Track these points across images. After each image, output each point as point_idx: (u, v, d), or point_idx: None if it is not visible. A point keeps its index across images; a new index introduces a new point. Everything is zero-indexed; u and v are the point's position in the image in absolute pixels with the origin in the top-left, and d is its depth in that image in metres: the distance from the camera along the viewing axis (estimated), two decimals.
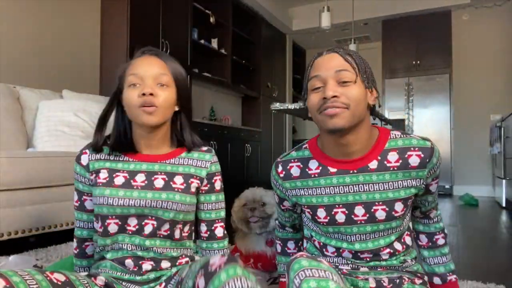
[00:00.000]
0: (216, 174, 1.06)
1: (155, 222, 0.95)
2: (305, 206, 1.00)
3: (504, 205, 4.10)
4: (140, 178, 0.96)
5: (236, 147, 4.74)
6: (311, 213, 0.99)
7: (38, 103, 2.48)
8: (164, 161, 1.00)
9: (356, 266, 0.99)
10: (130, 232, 0.95)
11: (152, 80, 0.93)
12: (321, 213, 0.97)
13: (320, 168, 0.97)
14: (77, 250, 1.06)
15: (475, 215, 3.65)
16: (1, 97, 2.33)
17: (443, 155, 5.12)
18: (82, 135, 2.41)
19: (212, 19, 4.53)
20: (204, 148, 1.06)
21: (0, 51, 2.70)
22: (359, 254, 0.97)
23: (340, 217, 0.95)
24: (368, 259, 0.97)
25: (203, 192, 1.04)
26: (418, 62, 5.38)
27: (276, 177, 1.06)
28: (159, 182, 0.97)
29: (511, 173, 3.79)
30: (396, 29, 5.53)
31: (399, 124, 5.32)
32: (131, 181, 0.96)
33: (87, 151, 1.00)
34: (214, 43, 4.74)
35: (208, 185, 1.05)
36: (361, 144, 0.92)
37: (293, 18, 6.21)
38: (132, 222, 0.95)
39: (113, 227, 0.95)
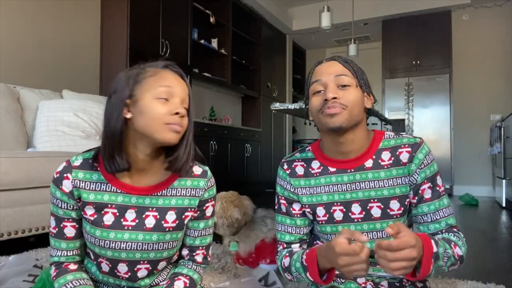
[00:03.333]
0: (209, 200, 0.99)
1: (148, 266, 0.93)
2: (306, 206, 1.03)
3: (504, 205, 4.09)
4: (130, 216, 0.90)
5: (236, 147, 4.74)
6: (311, 212, 1.02)
7: (38, 103, 2.48)
8: (155, 194, 0.92)
9: None
10: (123, 278, 0.93)
11: (180, 101, 0.88)
12: (320, 211, 1.01)
13: (321, 168, 1.02)
14: (57, 270, 0.92)
15: (475, 215, 3.65)
16: (1, 97, 2.33)
17: (443, 155, 5.12)
18: (82, 135, 2.41)
19: (212, 19, 4.54)
20: (198, 172, 0.97)
21: (0, 51, 2.70)
22: None
23: (338, 215, 0.99)
24: None
25: (193, 218, 0.98)
26: (418, 62, 5.37)
27: (283, 175, 1.07)
28: (150, 221, 0.91)
29: (511, 173, 3.79)
30: (396, 29, 5.53)
31: (399, 124, 5.32)
32: (121, 220, 0.90)
33: (69, 175, 0.89)
34: (214, 43, 4.74)
35: (199, 212, 0.98)
36: (358, 144, 0.97)
37: (293, 18, 6.21)
38: (122, 269, 0.92)
39: (105, 266, 0.93)
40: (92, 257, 0.94)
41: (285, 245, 1.07)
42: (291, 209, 1.06)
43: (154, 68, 0.90)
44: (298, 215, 1.06)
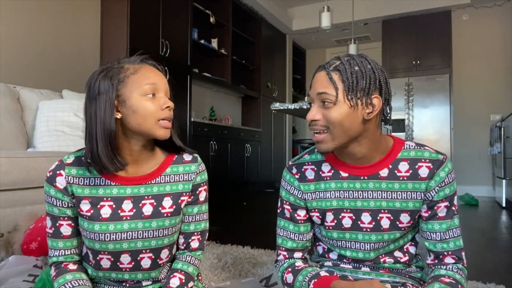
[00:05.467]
0: (201, 184, 1.01)
1: (151, 254, 0.94)
2: (315, 210, 0.99)
3: (504, 205, 4.09)
4: (127, 206, 0.91)
5: (236, 147, 4.74)
6: (320, 217, 0.99)
7: (38, 103, 2.48)
8: (149, 182, 0.94)
9: (357, 265, 1.00)
10: (126, 270, 0.93)
11: (164, 94, 0.91)
12: (329, 217, 0.97)
13: (332, 171, 0.97)
14: (57, 270, 0.93)
15: (475, 215, 3.65)
16: (1, 97, 2.33)
17: None
18: (82, 135, 2.41)
19: (212, 19, 4.54)
20: (188, 158, 1.00)
21: (0, 51, 2.70)
22: (361, 264, 0.99)
23: (347, 222, 0.96)
24: (369, 263, 0.99)
25: (187, 204, 1.00)
26: (418, 62, 5.37)
27: (291, 179, 1.01)
28: (147, 209, 0.92)
29: (511, 173, 3.79)
30: (396, 29, 5.53)
31: (399, 124, 5.32)
32: (119, 211, 0.91)
33: (62, 172, 0.90)
34: (214, 43, 4.74)
35: (192, 197, 1.00)
36: (368, 152, 0.92)
37: (293, 18, 6.21)
38: (125, 260, 0.92)
39: (105, 262, 0.92)
40: (91, 256, 0.93)
41: (286, 254, 1.03)
42: (295, 215, 1.02)
43: (131, 64, 0.90)
44: (303, 221, 1.02)
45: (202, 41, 4.44)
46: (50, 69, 3.06)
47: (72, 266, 0.93)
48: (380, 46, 5.72)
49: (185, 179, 0.98)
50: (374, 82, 0.87)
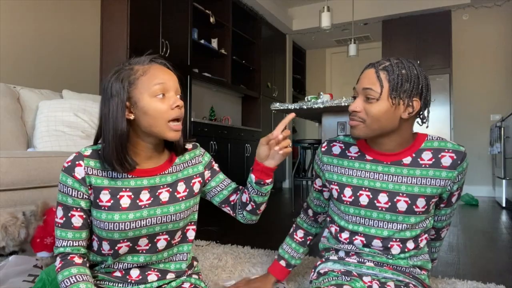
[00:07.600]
0: (211, 160, 1.12)
1: (167, 236, 0.99)
2: (335, 183, 1.10)
3: (504, 205, 4.09)
4: (145, 196, 0.95)
5: (236, 147, 4.74)
6: (338, 190, 1.09)
7: (38, 103, 2.48)
8: (163, 173, 0.99)
9: (362, 260, 1.01)
10: (143, 251, 0.97)
11: (174, 92, 0.93)
12: (347, 192, 1.07)
13: (359, 153, 1.09)
14: (63, 262, 0.92)
15: (475, 215, 3.65)
16: (1, 97, 2.33)
17: None
18: (82, 135, 2.41)
19: (212, 19, 4.54)
20: (190, 146, 1.08)
21: (0, 51, 2.70)
22: (371, 243, 1.02)
23: (364, 199, 1.04)
24: (378, 251, 1.00)
25: (210, 179, 1.10)
26: (418, 62, 5.37)
27: (318, 151, 1.19)
28: (164, 196, 0.97)
29: (511, 173, 3.78)
30: (396, 29, 5.53)
31: None
32: (137, 201, 0.94)
33: (81, 163, 0.92)
34: (214, 43, 4.74)
35: (210, 171, 1.10)
36: (394, 146, 1.03)
37: (293, 18, 6.21)
38: (143, 242, 0.96)
39: (124, 250, 0.95)
40: (108, 246, 0.94)
41: (302, 210, 1.33)
42: (314, 183, 1.23)
43: (141, 65, 0.93)
44: (316, 190, 1.23)
45: (202, 41, 4.44)
46: (50, 69, 3.06)
47: (77, 260, 0.93)
48: (380, 46, 5.72)
49: (193, 163, 1.06)
50: (417, 86, 0.97)
